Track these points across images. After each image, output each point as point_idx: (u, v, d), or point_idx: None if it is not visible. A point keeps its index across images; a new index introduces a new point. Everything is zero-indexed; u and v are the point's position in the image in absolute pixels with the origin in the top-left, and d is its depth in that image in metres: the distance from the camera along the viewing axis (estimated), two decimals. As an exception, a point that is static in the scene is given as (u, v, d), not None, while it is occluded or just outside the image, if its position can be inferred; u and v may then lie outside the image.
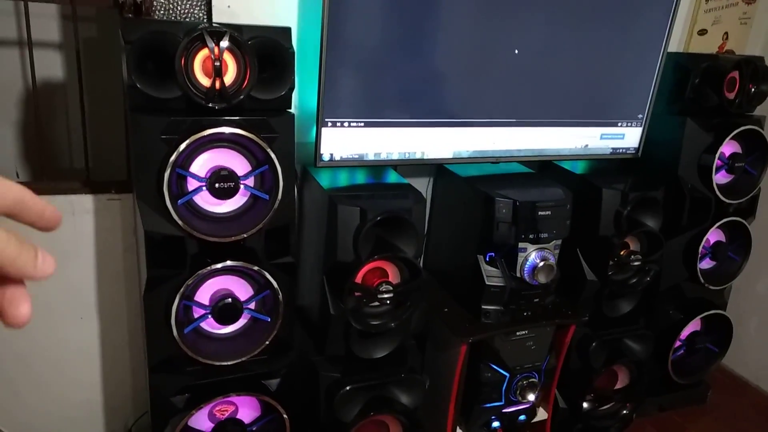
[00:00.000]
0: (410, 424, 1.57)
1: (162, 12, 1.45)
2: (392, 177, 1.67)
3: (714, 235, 1.94)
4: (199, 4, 1.48)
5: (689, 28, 2.00)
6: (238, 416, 1.47)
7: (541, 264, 1.53)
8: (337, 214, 1.38)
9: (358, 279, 1.44)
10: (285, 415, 1.45)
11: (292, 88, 1.30)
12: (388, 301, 1.44)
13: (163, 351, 1.32)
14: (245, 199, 1.30)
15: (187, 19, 1.49)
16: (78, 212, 1.59)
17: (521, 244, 1.54)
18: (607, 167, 1.92)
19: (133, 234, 1.64)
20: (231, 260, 1.28)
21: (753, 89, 1.83)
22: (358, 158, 1.52)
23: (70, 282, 1.63)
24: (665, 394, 2.12)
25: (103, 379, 1.76)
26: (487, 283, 1.58)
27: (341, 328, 1.46)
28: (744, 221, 1.93)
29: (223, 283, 1.35)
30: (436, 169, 1.83)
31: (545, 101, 1.68)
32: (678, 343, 2.02)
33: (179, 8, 1.47)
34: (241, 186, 1.25)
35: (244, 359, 1.36)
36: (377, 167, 1.67)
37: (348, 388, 1.48)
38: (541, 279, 1.55)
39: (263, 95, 1.27)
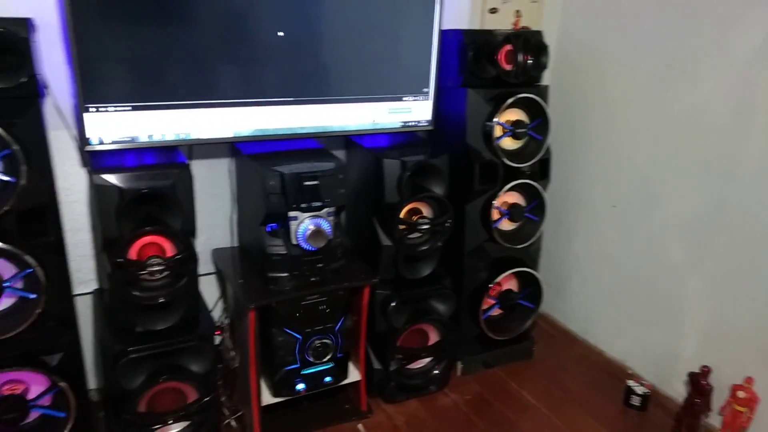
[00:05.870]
0: (203, 390, 1.67)
1: None
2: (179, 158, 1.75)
3: (512, 198, 2.09)
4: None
5: (481, 6, 2.14)
6: (29, 395, 1.54)
7: (311, 230, 1.65)
8: (100, 194, 1.46)
9: (133, 255, 1.53)
10: (64, 384, 1.53)
11: (33, 76, 1.38)
12: (158, 275, 1.54)
13: None
14: (-5, 183, 1.37)
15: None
16: None
17: (292, 213, 1.65)
18: (406, 141, 2.04)
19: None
20: (-16, 241, 1.36)
21: (530, 60, 1.98)
22: (131, 141, 1.61)
23: None
24: (489, 351, 2.26)
25: None
26: (267, 252, 1.69)
27: (118, 301, 1.55)
28: (535, 183, 2.07)
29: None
30: (231, 148, 1.92)
31: (320, 80, 1.79)
32: (491, 301, 2.16)
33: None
34: (-20, 171, 1.32)
35: (10, 334, 1.43)
36: (168, 149, 1.75)
37: (132, 356, 1.56)
38: (313, 244, 1.66)
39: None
